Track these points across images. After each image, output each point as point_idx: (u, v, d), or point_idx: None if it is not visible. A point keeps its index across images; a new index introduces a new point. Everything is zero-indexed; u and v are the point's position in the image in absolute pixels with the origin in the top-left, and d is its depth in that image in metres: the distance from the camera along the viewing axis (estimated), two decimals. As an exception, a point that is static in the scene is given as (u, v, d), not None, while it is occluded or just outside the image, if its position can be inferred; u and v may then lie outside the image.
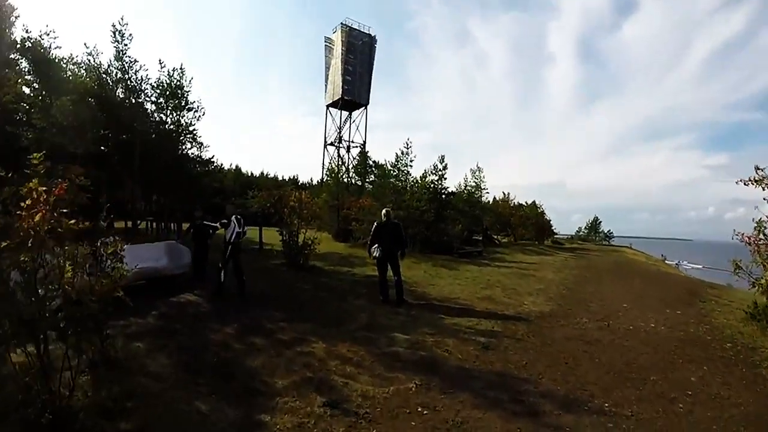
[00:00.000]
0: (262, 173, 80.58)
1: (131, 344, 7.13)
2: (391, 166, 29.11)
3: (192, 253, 12.75)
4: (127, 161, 22.38)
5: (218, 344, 7.40)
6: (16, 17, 17.08)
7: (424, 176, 28.67)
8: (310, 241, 15.46)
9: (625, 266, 26.41)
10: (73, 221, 4.60)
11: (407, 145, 28.12)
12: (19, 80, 17.12)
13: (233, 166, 77.86)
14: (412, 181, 28.44)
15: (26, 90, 18.64)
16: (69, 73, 19.38)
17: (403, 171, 28.36)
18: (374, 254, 11.35)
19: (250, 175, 77.13)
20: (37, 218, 4.22)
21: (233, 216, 11.31)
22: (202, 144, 25.71)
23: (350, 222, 26.80)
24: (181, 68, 22.20)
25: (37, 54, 16.30)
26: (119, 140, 22.17)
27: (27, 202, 4.32)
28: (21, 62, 17.93)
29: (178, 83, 22.22)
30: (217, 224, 11.76)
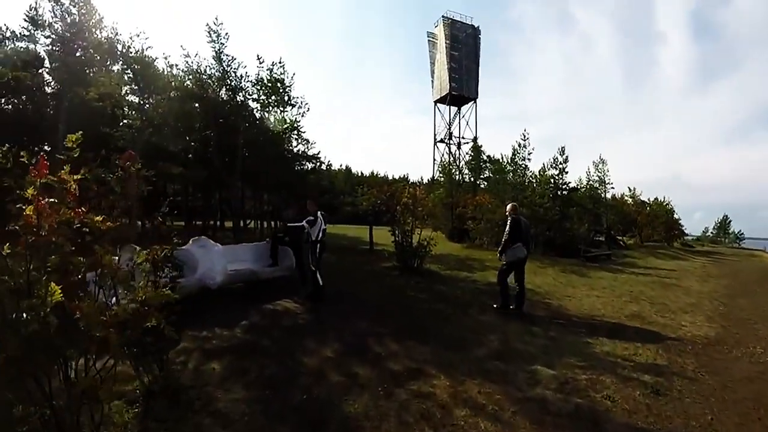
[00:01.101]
0: (372, 173, 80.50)
1: (206, 365, 5.99)
2: (508, 161, 27.18)
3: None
4: (230, 161, 21.91)
5: (311, 373, 5.90)
6: (100, 17, 16.70)
7: (543, 170, 26.57)
8: (425, 241, 13.80)
9: (774, 275, 22.91)
10: (100, 218, 3.54)
11: (524, 136, 26.20)
12: (111, 80, 16.74)
13: (343, 167, 78.21)
14: (531, 176, 26.37)
15: (124, 90, 18.30)
16: (164, 73, 18.85)
17: (520, 165, 26.34)
18: (516, 256, 9.83)
19: (360, 174, 77.15)
20: (28, 210, 3.13)
21: (319, 212, 10.22)
22: (308, 141, 25.05)
23: (465, 221, 24.90)
24: (280, 62, 21.29)
25: (129, 55, 15.75)
26: (222, 140, 21.60)
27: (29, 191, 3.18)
28: (111, 65, 17.58)
29: (279, 78, 21.33)
30: (303, 222, 10.46)
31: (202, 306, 8.92)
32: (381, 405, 5.07)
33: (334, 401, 5.13)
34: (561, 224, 24.18)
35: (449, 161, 38.19)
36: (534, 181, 25.87)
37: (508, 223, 9.96)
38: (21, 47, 17.48)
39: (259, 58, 20.85)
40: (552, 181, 25.96)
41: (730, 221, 71.36)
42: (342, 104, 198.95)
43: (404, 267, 13.78)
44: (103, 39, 16.34)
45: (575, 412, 5.19)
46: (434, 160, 67.93)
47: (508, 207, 10.38)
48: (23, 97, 18.58)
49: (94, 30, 16.50)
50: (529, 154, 26.29)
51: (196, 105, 20.75)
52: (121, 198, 4.73)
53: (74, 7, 16.58)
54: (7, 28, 18.17)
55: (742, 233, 69.44)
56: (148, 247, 4.66)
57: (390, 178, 77.07)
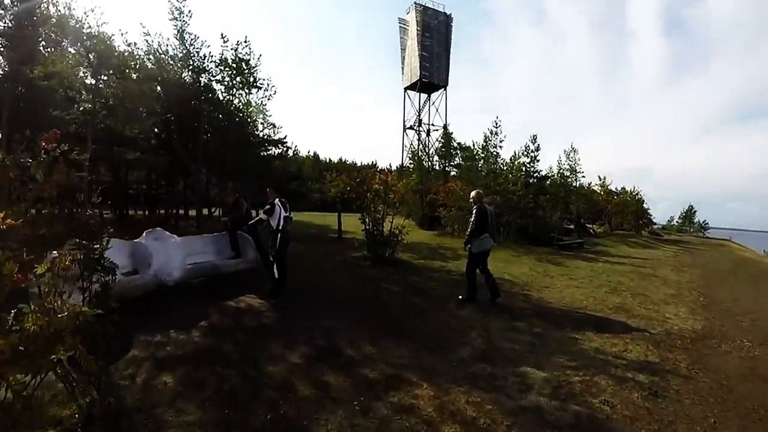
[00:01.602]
0: (340, 159, 79.65)
1: (157, 378, 5.25)
2: (480, 148, 26.68)
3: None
4: (193, 146, 20.88)
5: (277, 384, 5.21)
6: None
7: (514, 158, 26.18)
8: (397, 230, 13.15)
9: (742, 265, 22.70)
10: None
11: (496, 124, 25.64)
12: (64, 60, 15.66)
13: (311, 153, 77.15)
14: (502, 163, 25.92)
15: (80, 71, 17.20)
16: (121, 52, 17.69)
17: (492, 153, 25.85)
18: (483, 247, 9.38)
19: (328, 161, 76.32)
20: None
21: (276, 199, 9.37)
22: (274, 125, 24.16)
23: (436, 208, 24.32)
24: (246, 41, 20.08)
25: (82, 31, 14.68)
26: (184, 124, 20.66)
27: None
28: (66, 44, 16.44)
29: (244, 58, 20.20)
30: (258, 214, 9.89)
31: (158, 304, 8.26)
32: (358, 424, 4.40)
33: (303, 420, 4.44)
34: (534, 212, 23.79)
35: (419, 147, 37.55)
36: (506, 168, 25.40)
37: (474, 212, 9.43)
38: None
39: (223, 37, 19.60)
40: (524, 168, 25.59)
41: (695, 211, 72.48)
42: (310, 90, 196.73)
43: (375, 257, 13.13)
44: (53, 14, 15.12)
45: (575, 423, 4.65)
46: (403, 146, 67.61)
47: (473, 194, 9.80)
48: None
49: (44, 5, 15.31)
50: (501, 141, 25.82)
51: (157, 87, 19.74)
52: (46, 186, 3.96)
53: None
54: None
55: (707, 223, 70.58)
56: (71, 246, 3.91)
57: (359, 164, 76.72)
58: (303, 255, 14.13)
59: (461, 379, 5.51)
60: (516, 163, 25.79)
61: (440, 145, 34.82)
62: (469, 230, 9.38)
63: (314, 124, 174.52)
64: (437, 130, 63.97)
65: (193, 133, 20.59)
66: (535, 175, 26.93)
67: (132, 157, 21.43)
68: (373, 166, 74.42)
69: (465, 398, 5.00)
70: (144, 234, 9.36)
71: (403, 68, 71.21)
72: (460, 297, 9.55)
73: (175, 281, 8.77)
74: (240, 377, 5.35)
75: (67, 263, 3.55)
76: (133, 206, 31.52)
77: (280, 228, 9.18)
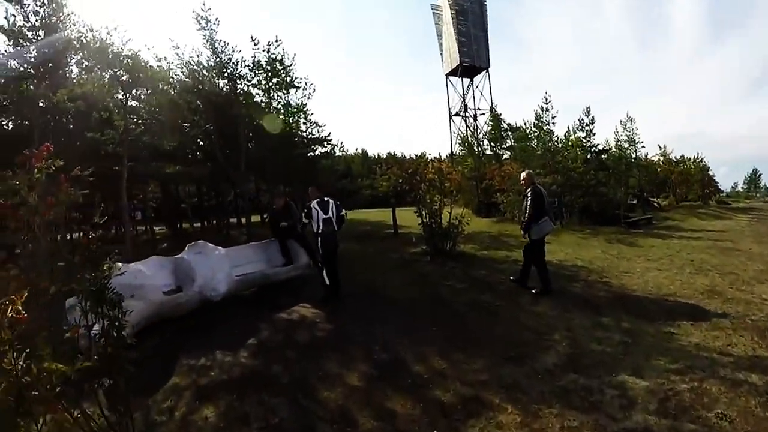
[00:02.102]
0: (389, 154, 78.81)
1: (198, 412, 4.68)
2: (532, 126, 25.47)
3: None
4: (234, 153, 20.43)
5: (332, 416, 4.50)
6: (70, 12, 15.25)
7: (568, 133, 24.83)
8: (456, 220, 12.20)
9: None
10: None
11: (546, 99, 24.33)
12: (93, 82, 15.39)
13: (359, 151, 76.70)
14: (557, 140, 24.62)
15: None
16: (151, 67, 17.27)
17: (545, 130, 24.60)
18: (543, 231, 8.71)
19: (377, 157, 75.58)
20: None
21: (315, 201, 8.69)
22: (316, 124, 23.54)
23: (493, 194, 23.26)
24: (277, 41, 19.31)
25: (105, 51, 14.23)
26: (223, 132, 20.17)
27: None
28: (88, 63, 16.06)
29: (278, 59, 19.46)
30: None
31: (205, 321, 7.73)
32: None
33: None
34: (596, 189, 22.38)
35: (468, 132, 36.41)
36: (561, 145, 24.07)
37: (529, 194, 8.71)
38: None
39: (253, 40, 19.06)
40: (581, 143, 24.22)
41: (759, 174, 69.03)
42: (350, 88, 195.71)
43: (435, 251, 12.22)
44: (73, 37, 14.77)
45: (698, 447, 3.77)
46: (451, 134, 66.39)
47: (523, 175, 9.22)
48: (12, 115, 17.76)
49: (62, 27, 14.97)
50: (553, 117, 24.52)
51: (192, 99, 19.35)
52: (45, 210, 3.32)
53: (39, 7, 15.10)
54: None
55: (774, 186, 67.16)
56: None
57: (408, 157, 75.78)
58: (358, 254, 13.46)
59: (551, 397, 4.66)
60: (572, 138, 24.42)
61: (489, 128, 33.67)
62: (526, 215, 8.65)
63: (359, 122, 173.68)
64: (483, 114, 62.46)
65: (233, 140, 20.10)
66: (593, 149, 25.51)
67: (171, 171, 21.13)
68: (423, 156, 73.51)
69: (559, 423, 4.17)
70: (186, 248, 8.82)
71: (442, 55, 69.92)
72: (534, 291, 8.68)
73: (222, 296, 8.20)
74: (290, 407, 4.69)
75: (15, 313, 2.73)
76: (186, 220, 31.51)
77: (320, 231, 8.56)
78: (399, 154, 77.29)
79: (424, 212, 12.04)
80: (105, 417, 3.48)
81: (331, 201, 8.74)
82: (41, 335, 3.04)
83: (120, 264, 3.88)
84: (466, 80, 68.47)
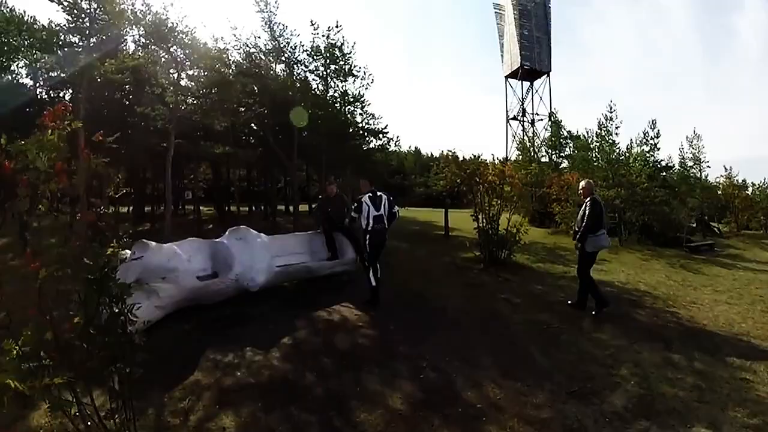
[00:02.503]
0: (442, 153, 77.83)
1: (216, 419, 4.22)
2: (594, 136, 24.35)
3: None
4: (287, 139, 19.96)
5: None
6: None
7: (631, 146, 23.57)
8: (514, 228, 11.49)
9: None
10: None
11: (611, 108, 23.17)
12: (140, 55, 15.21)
13: (412, 148, 75.92)
14: (619, 152, 23.41)
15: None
16: (205, 45, 16.83)
17: (607, 141, 23.46)
18: (600, 245, 8.20)
19: (429, 156, 74.59)
20: None
21: (366, 195, 8.02)
22: (373, 115, 22.48)
23: (549, 203, 22.17)
24: (337, 26, 18.84)
25: (160, 26, 13.80)
26: (277, 117, 19.71)
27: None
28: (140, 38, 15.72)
29: (337, 44, 19.02)
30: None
31: (239, 312, 7.25)
32: None
33: None
34: (659, 208, 21.06)
35: (527, 137, 35.30)
36: (623, 158, 22.84)
37: (588, 204, 8.07)
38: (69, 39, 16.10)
39: (312, 24, 18.68)
40: (645, 157, 22.96)
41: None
42: (405, 84, 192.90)
43: (490, 259, 11.48)
44: (128, 9, 14.42)
45: None
46: (507, 138, 65.07)
47: (583, 185, 8.55)
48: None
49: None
50: (616, 128, 23.37)
51: (247, 81, 18.89)
52: (62, 177, 2.80)
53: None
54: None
55: None
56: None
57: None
58: (407, 255, 12.87)
59: (629, 451, 3.95)
60: (638, 151, 23.18)
61: (549, 134, 32.65)
62: (582, 225, 8.02)
63: (412, 119, 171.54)
64: (542, 119, 60.98)
65: (287, 127, 19.63)
66: (656, 165, 24.17)
67: (218, 151, 20.78)
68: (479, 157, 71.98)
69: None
70: (227, 233, 8.35)
71: (502, 56, 68.27)
72: (594, 312, 7.99)
73: (260, 286, 7.71)
74: (321, 427, 4.09)
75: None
76: (236, 203, 31.38)
77: (369, 228, 7.96)
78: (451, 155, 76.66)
79: (480, 216, 11.32)
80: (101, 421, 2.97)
81: (384, 196, 8.15)
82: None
83: (128, 250, 3.30)
84: (526, 84, 66.90)
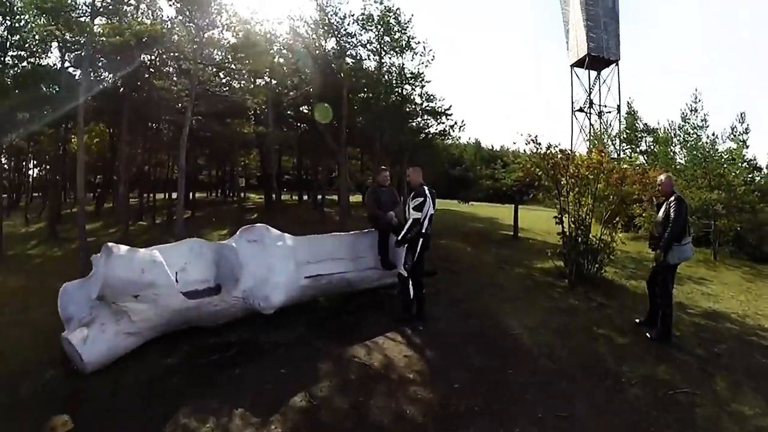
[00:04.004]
0: (502, 147, 74.25)
1: None
2: (676, 129, 21.53)
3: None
4: (335, 122, 17.84)
5: None
6: None
7: (715, 141, 20.51)
8: (607, 236, 9.11)
9: None
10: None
11: (696, 98, 20.38)
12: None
13: (472, 140, 72.78)
14: (705, 148, 20.47)
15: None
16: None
17: (691, 135, 20.66)
18: (685, 256, 6.45)
19: (490, 148, 71.36)
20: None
21: (426, 188, 6.34)
22: (433, 96, 19.56)
23: (628, 204, 19.01)
24: None
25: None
26: (324, 96, 17.41)
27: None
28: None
29: (392, 10, 16.71)
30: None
31: (247, 342, 5.55)
32: None
33: None
34: (756, 216, 17.82)
35: (599, 130, 32.28)
36: (717, 155, 19.88)
37: (673, 205, 6.30)
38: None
39: (363, -13, 16.56)
40: (740, 156, 19.93)
41: None
42: (461, 71, 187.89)
43: (576, 273, 8.98)
44: None
45: None
46: (572, 131, 61.53)
47: (663, 179, 6.72)
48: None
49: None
50: (702, 120, 20.53)
51: (293, 59, 17.26)
52: None
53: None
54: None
55: None
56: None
57: (521, 153, 70.73)
58: (469, 262, 10.64)
59: None
60: (730, 147, 20.21)
61: (623, 127, 29.76)
62: (667, 232, 6.21)
63: (469, 110, 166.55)
64: (609, 111, 57.33)
65: (336, 108, 17.33)
66: (750, 165, 21.13)
67: (246, 131, 18.78)
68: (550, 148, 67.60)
69: None
70: (238, 232, 6.41)
71: (567, 43, 64.47)
72: (648, 335, 6.45)
73: (276, 308, 5.73)
74: None
75: None
76: (278, 191, 29.90)
77: (424, 231, 6.26)
78: (511, 149, 73.06)
79: (567, 219, 8.99)
80: None
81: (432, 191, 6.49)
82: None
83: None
84: (592, 73, 63.32)
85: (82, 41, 13.08)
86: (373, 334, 5.82)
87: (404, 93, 18.56)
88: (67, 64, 17.67)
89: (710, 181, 16.26)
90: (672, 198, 6.42)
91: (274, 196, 25.13)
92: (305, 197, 32.28)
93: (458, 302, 6.99)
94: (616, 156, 27.51)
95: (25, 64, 17.44)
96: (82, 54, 13.55)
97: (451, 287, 7.25)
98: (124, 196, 16.08)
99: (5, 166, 32.57)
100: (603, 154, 9.25)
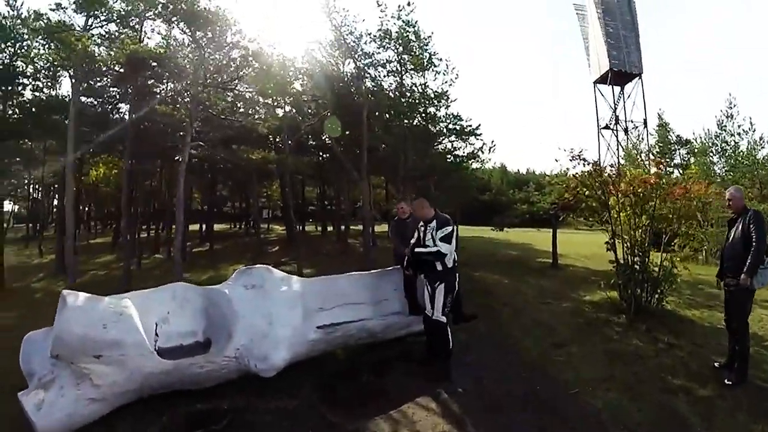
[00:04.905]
0: (527, 170, 72.62)
1: None
2: (713, 138, 20.55)
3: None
4: (353, 146, 17.11)
5: None
6: None
7: (754, 147, 19.53)
8: (668, 263, 7.78)
9: None
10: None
11: (730, 103, 19.27)
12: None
13: (497, 165, 71.38)
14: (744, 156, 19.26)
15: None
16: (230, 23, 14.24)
17: (729, 144, 19.56)
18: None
19: (516, 172, 69.72)
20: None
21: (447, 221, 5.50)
22: (459, 117, 17.89)
23: (670, 222, 17.52)
24: (409, 4, 15.38)
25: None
26: (344, 121, 16.40)
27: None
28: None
29: (411, 23, 15.68)
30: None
31: (238, 410, 4.48)
32: None
33: None
34: None
35: (633, 146, 31.01)
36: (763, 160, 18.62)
37: (752, 221, 5.44)
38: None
39: (380, 5, 15.42)
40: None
41: None
42: (480, 93, 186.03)
43: (635, 306, 7.60)
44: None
45: None
46: (599, 150, 60.06)
47: (733, 193, 5.77)
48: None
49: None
50: (740, 127, 19.56)
51: (310, 84, 16.39)
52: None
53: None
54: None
55: None
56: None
57: (548, 174, 68.60)
58: (509, 295, 9.51)
59: None
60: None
61: (655, 140, 28.63)
62: (751, 253, 5.25)
63: (492, 134, 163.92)
64: (636, 127, 55.77)
65: (356, 132, 16.46)
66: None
67: (257, 158, 17.78)
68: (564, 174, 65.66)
69: None
70: (234, 275, 5.39)
71: (588, 60, 63.31)
72: (726, 381, 5.32)
73: (277, 369, 4.69)
74: None
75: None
76: (309, 221, 29.10)
77: (453, 267, 5.43)
78: (537, 171, 71.11)
79: (621, 244, 7.79)
80: None
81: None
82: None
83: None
84: (616, 89, 62.10)
85: (71, 57, 12.46)
86: (401, 399, 4.74)
87: (428, 113, 17.38)
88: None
89: (761, 190, 15.03)
90: (749, 213, 5.54)
91: (298, 227, 24.27)
92: (329, 228, 31.40)
93: (501, 348, 5.94)
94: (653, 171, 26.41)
95: (37, 94, 17.27)
96: (71, 72, 13.07)
97: (491, 329, 6.20)
98: (127, 229, 15.31)
99: (33, 197, 32.87)
100: (661, 166, 8.09)
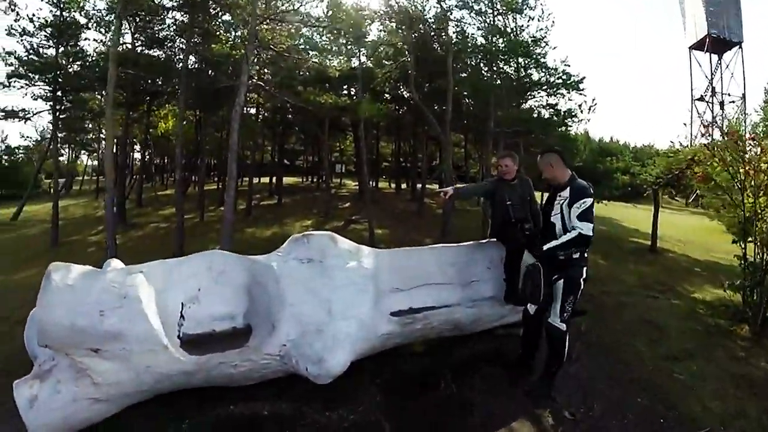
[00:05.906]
0: (611, 139, 68.50)
1: None
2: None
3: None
4: (437, 97, 16.13)
5: None
6: None
7: None
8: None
9: None
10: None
11: None
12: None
13: (580, 131, 68.00)
14: None
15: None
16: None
17: None
18: None
19: (600, 141, 65.95)
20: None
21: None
22: (554, 70, 15.35)
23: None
24: None
25: None
26: (425, 70, 15.70)
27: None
28: None
29: None
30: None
31: (280, 424, 3.54)
32: None
33: None
34: None
35: (738, 121, 28.42)
36: None
37: None
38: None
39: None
40: None
41: None
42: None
43: (759, 317, 6.00)
44: None
45: None
46: (692, 123, 55.99)
47: None
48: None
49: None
50: None
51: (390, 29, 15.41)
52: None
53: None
54: None
55: None
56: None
57: (632, 146, 64.25)
58: (609, 280, 8.27)
59: None
60: None
61: (762, 117, 26.14)
62: None
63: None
64: (733, 100, 51.29)
65: (436, 80, 15.47)
66: None
67: (325, 102, 16.48)
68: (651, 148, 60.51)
69: None
70: (286, 244, 4.30)
71: (684, 23, 58.66)
72: None
73: (335, 375, 3.58)
74: None
75: None
76: (383, 178, 28.21)
77: (581, 257, 3.89)
78: (621, 141, 66.93)
79: (757, 238, 6.26)
80: None
81: None
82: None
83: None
84: (713, 58, 57.25)
85: None
86: (491, 418, 3.67)
87: (521, 62, 15.39)
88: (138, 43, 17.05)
89: None
90: None
91: (371, 183, 23.34)
92: (404, 186, 30.36)
93: (609, 355, 4.84)
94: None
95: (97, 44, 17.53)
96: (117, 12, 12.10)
97: (593, 324, 5.22)
98: (182, 183, 14.79)
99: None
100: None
